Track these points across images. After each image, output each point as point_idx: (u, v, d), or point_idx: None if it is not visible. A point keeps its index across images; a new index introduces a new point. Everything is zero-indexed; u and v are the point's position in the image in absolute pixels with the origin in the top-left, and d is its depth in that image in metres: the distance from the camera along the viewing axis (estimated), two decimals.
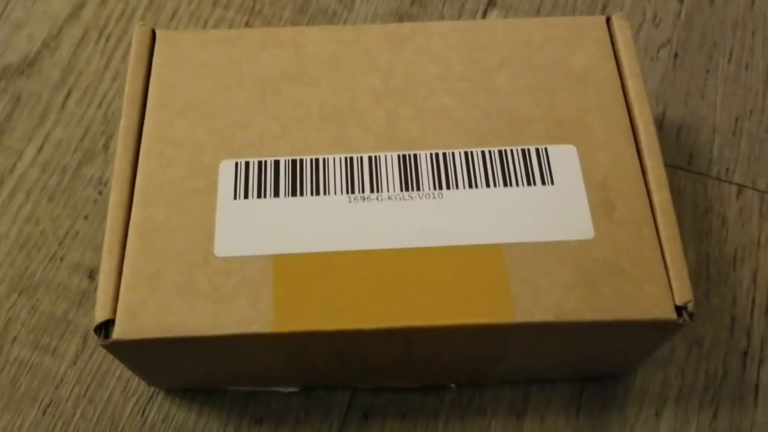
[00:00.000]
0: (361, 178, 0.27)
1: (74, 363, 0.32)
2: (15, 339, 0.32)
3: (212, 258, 0.26)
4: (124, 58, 0.39)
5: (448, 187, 0.27)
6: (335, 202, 0.27)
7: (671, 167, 0.36)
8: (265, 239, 0.26)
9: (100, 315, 0.25)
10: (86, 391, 0.31)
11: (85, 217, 0.35)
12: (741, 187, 0.35)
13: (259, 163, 0.27)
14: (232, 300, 0.25)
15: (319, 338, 0.25)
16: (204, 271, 0.25)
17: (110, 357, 0.32)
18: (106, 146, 0.37)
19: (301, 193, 0.27)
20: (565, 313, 0.25)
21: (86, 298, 0.33)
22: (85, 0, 0.41)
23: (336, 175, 0.27)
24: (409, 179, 0.27)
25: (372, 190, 0.27)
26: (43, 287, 0.33)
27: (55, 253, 0.34)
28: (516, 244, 0.26)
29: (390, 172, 0.27)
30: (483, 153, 0.28)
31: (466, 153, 0.28)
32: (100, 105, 0.38)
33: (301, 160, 0.27)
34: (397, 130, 0.28)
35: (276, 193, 0.27)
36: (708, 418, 0.31)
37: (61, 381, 0.31)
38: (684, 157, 0.36)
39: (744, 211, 0.35)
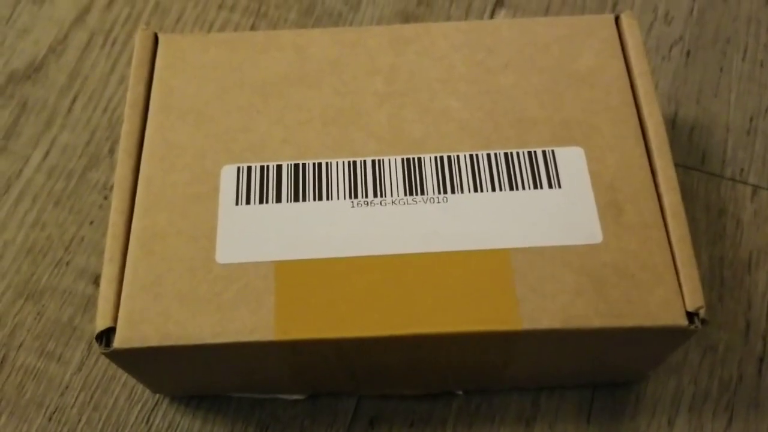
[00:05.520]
0: (365, 183, 0.27)
1: (79, 369, 0.31)
2: (21, 345, 0.32)
3: (214, 265, 0.25)
4: (130, 62, 0.38)
5: (452, 191, 0.26)
6: (338, 207, 0.26)
7: (684, 168, 0.35)
8: (266, 245, 0.26)
9: (101, 323, 0.24)
10: (91, 397, 0.31)
11: (91, 223, 0.35)
12: (756, 188, 0.35)
13: (261, 167, 0.27)
14: (234, 307, 0.25)
15: (321, 346, 0.25)
16: (205, 278, 0.25)
17: None
18: (111, 151, 0.36)
19: (304, 199, 0.27)
20: (573, 319, 0.24)
21: (92, 303, 0.33)
22: (91, 4, 0.40)
23: (339, 179, 0.27)
24: (413, 183, 0.27)
25: (375, 195, 0.27)
26: (49, 293, 0.33)
27: (60, 258, 0.34)
28: (522, 248, 0.25)
29: (393, 176, 0.27)
30: (488, 156, 0.27)
31: (471, 156, 0.27)
32: (105, 110, 0.38)
33: (304, 165, 0.27)
34: (400, 133, 0.28)
35: (278, 199, 0.27)
36: (722, 426, 0.30)
37: (67, 387, 0.31)
38: (697, 158, 0.35)
39: (759, 213, 0.34)
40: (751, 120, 0.36)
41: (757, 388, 0.30)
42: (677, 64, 0.38)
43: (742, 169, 0.35)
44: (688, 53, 0.38)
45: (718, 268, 0.33)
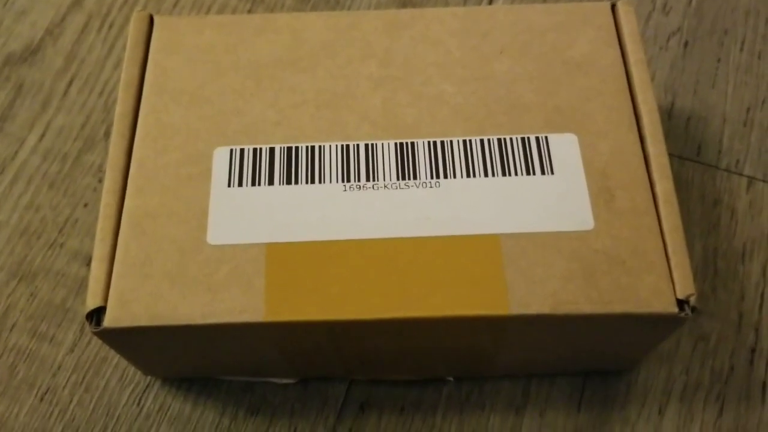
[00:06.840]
0: (357, 166, 0.27)
1: (71, 351, 0.32)
2: (14, 326, 0.32)
3: (205, 246, 0.25)
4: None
5: (445, 176, 0.26)
6: (330, 190, 0.26)
7: (679, 158, 0.35)
8: (258, 227, 0.26)
9: (92, 302, 0.24)
10: (83, 379, 0.31)
11: (85, 205, 0.35)
12: (751, 180, 0.34)
13: (254, 150, 0.27)
14: (224, 288, 0.25)
15: (311, 328, 0.25)
16: (196, 258, 0.25)
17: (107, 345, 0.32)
18: (106, 134, 0.36)
19: (296, 181, 0.26)
20: (562, 305, 0.24)
21: (85, 285, 0.33)
22: None
23: (332, 162, 0.27)
24: (405, 167, 0.27)
25: (368, 179, 0.26)
26: (42, 274, 0.33)
27: (54, 240, 0.34)
28: (513, 234, 0.25)
29: (386, 160, 0.27)
30: (481, 141, 0.27)
31: (464, 141, 0.27)
32: (101, 93, 0.38)
33: (297, 148, 0.27)
34: (394, 118, 0.27)
35: (270, 181, 0.27)
36: (713, 415, 0.30)
37: (59, 369, 0.31)
38: (693, 148, 0.35)
39: (754, 204, 0.34)
40: (747, 111, 0.36)
41: (748, 378, 0.30)
42: (675, 55, 0.38)
43: (737, 161, 0.35)
44: (686, 44, 0.38)
45: (712, 259, 0.33)
